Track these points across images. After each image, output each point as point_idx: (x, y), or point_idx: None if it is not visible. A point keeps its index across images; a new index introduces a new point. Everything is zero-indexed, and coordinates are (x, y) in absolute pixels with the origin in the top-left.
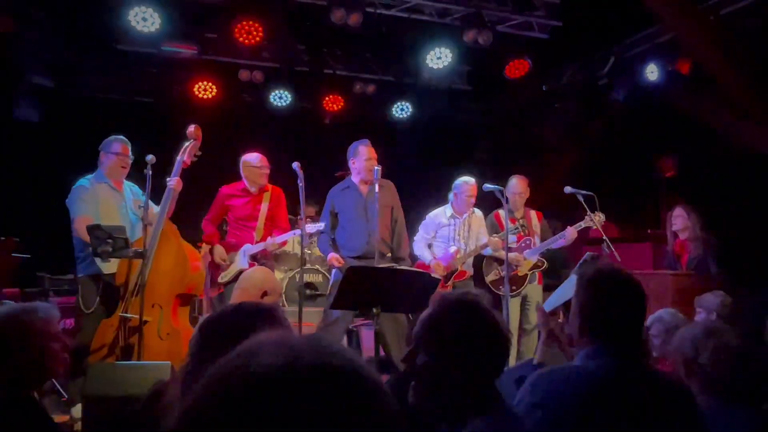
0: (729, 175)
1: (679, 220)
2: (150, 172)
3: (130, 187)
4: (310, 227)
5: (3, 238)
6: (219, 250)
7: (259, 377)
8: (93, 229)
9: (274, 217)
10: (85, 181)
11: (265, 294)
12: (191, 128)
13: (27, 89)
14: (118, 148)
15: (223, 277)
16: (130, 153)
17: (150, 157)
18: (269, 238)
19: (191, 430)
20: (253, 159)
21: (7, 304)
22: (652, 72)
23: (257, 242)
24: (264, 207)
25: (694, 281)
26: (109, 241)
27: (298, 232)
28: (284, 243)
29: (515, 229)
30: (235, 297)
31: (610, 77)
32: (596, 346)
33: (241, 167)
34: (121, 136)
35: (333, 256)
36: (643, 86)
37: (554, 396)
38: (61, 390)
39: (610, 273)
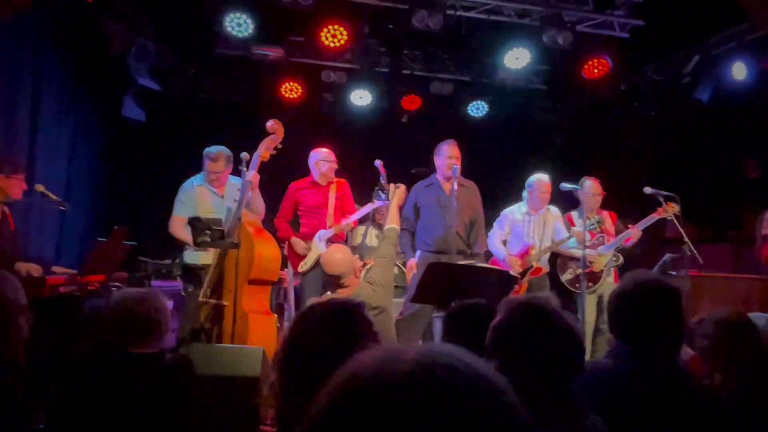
0: None
1: None
2: (245, 169)
3: (234, 185)
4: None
5: (116, 227)
6: (298, 242)
7: (387, 381)
8: (194, 221)
9: (342, 206)
10: (187, 184)
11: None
12: (271, 122)
13: (135, 91)
14: (205, 165)
15: (303, 266)
16: (218, 164)
17: (244, 155)
18: (342, 219)
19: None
20: (324, 153)
21: (127, 289)
22: (739, 70)
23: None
24: (332, 197)
25: None
26: (208, 232)
27: (366, 209)
28: (356, 223)
29: (590, 225)
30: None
31: (693, 76)
32: (626, 347)
33: (312, 161)
34: (211, 150)
35: (411, 264)
36: (729, 85)
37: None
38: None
39: (643, 282)
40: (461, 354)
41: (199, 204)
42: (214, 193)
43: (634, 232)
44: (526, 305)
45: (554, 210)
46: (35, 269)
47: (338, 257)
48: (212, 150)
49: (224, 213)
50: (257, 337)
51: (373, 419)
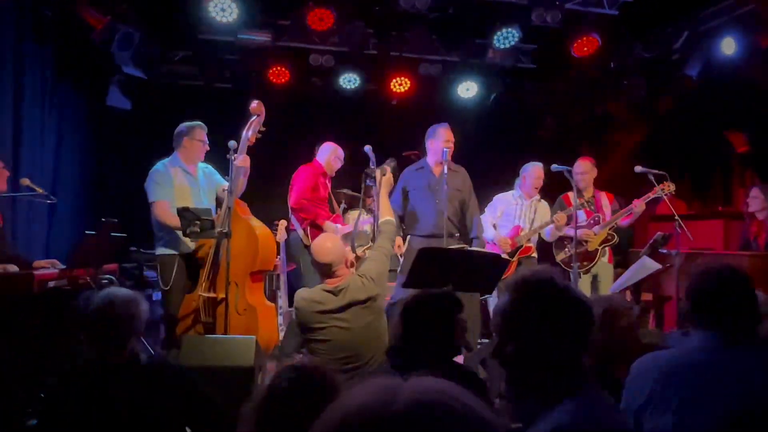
0: None
1: (756, 200)
2: (233, 158)
3: (202, 169)
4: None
5: (104, 220)
6: (330, 224)
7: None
8: (183, 212)
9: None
10: (160, 166)
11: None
12: (254, 104)
13: (120, 79)
14: (202, 135)
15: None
16: (205, 132)
17: (232, 143)
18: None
19: None
20: (341, 150)
21: (114, 289)
22: (728, 46)
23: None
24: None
25: None
26: (197, 222)
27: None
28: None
29: (582, 204)
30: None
31: (682, 52)
32: (705, 333)
33: (330, 154)
34: (194, 122)
35: (398, 242)
36: (719, 60)
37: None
38: (151, 350)
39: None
40: (456, 392)
41: (174, 185)
42: (188, 172)
43: (637, 207)
44: (530, 281)
45: (545, 204)
46: (11, 269)
47: (328, 246)
48: (195, 122)
49: (199, 193)
50: (266, 328)
51: None
